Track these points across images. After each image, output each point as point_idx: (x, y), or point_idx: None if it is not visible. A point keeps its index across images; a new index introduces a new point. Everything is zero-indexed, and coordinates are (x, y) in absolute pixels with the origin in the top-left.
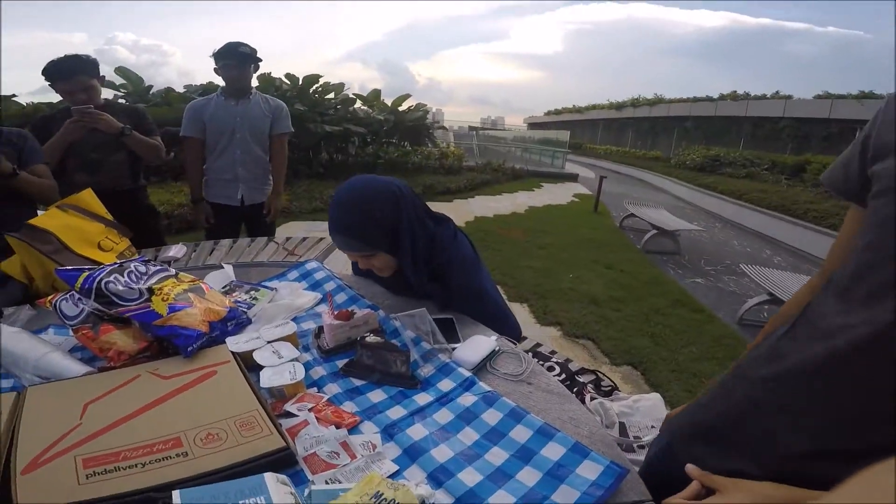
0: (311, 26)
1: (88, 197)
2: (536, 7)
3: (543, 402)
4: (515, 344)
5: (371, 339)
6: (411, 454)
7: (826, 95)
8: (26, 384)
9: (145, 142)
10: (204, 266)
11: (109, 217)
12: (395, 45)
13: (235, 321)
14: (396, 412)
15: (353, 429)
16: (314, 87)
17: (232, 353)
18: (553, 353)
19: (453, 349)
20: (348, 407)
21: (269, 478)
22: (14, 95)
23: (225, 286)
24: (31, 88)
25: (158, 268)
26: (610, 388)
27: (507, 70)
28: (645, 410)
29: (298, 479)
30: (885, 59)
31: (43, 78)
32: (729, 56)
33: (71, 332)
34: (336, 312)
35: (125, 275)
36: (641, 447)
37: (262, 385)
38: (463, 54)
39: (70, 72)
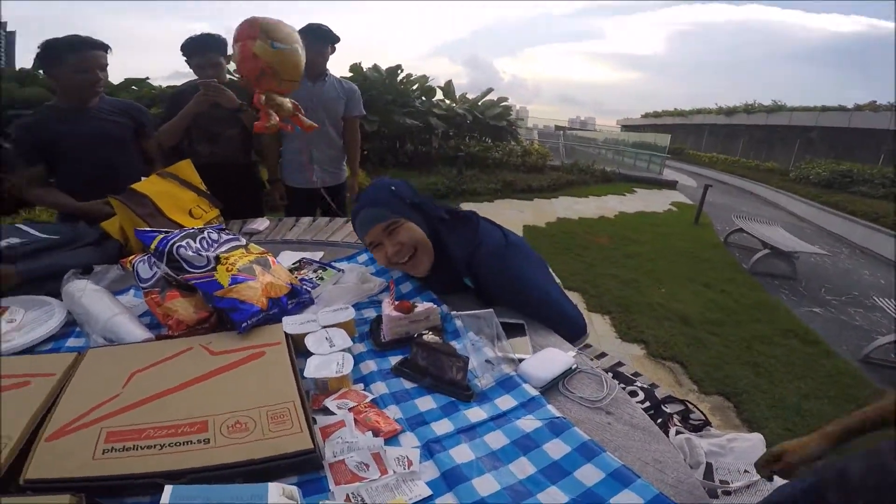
0: (400, 23)
1: (187, 167)
2: (634, 7)
3: (624, 437)
4: (598, 366)
5: (429, 337)
6: (450, 480)
7: None
8: (92, 345)
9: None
10: (283, 241)
11: (203, 187)
12: (482, 41)
13: (297, 300)
14: (443, 426)
15: (391, 439)
16: (400, 78)
17: (285, 334)
18: (637, 374)
19: (520, 361)
20: (392, 412)
21: (273, 489)
22: (147, 78)
23: (295, 262)
24: (165, 74)
25: (231, 236)
26: (700, 422)
27: (599, 70)
28: (740, 452)
29: (319, 487)
30: None
31: (181, 53)
32: (863, 64)
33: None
34: (397, 303)
35: (197, 241)
36: (727, 493)
37: (305, 374)
38: (551, 52)
39: (203, 48)
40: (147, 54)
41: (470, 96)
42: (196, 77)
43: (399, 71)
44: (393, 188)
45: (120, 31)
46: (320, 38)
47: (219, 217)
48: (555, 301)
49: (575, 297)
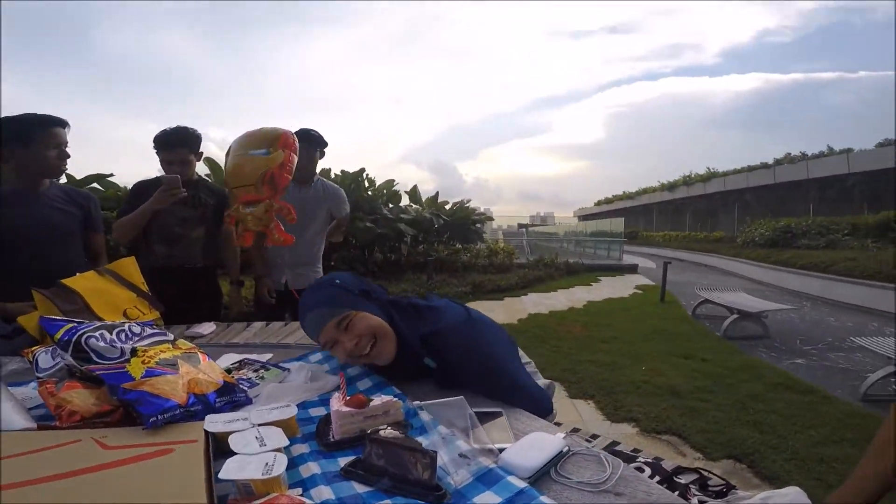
0: (371, 131)
1: (129, 265)
2: (573, 96)
3: None
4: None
5: (386, 432)
6: None
7: (888, 142)
8: None
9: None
10: (227, 344)
11: (145, 288)
12: (443, 145)
13: (230, 398)
14: None
15: None
16: (366, 185)
17: (205, 431)
18: (636, 451)
19: (500, 450)
20: None
21: None
22: (111, 175)
23: (235, 363)
24: (140, 178)
25: (156, 331)
26: (722, 487)
27: (551, 162)
28: None
29: None
30: None
31: (152, 146)
32: (770, 118)
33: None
34: (349, 398)
35: (114, 333)
36: None
37: (220, 476)
38: (507, 150)
39: (174, 143)
40: (124, 158)
41: (440, 201)
42: (163, 173)
43: (362, 178)
44: (337, 281)
45: (91, 130)
46: (311, 144)
47: (158, 321)
48: (522, 380)
49: (555, 387)
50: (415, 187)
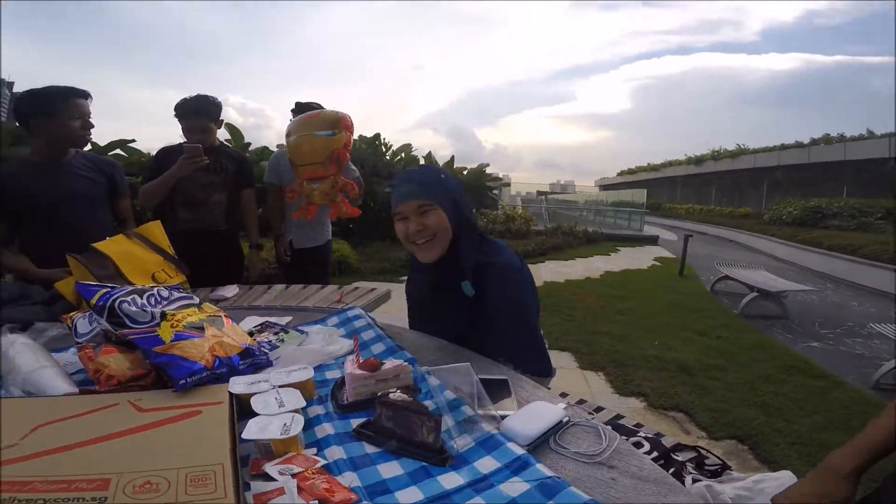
0: (387, 96)
1: (156, 228)
2: (597, 67)
3: (633, 493)
4: (593, 415)
5: (395, 395)
6: None
7: None
8: (6, 396)
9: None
10: (249, 307)
11: (171, 251)
12: (461, 112)
13: (251, 360)
14: (410, 495)
15: None
16: (388, 150)
17: (229, 393)
18: (639, 426)
19: (503, 417)
20: (347, 479)
21: None
22: (133, 140)
23: (257, 326)
24: (159, 144)
25: (183, 294)
26: (718, 467)
27: (574, 132)
28: (771, 492)
29: None
30: None
31: (174, 114)
32: (807, 99)
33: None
34: (362, 361)
35: (144, 297)
36: None
37: (243, 437)
38: (528, 119)
39: (194, 111)
40: (144, 125)
41: (456, 166)
42: (186, 140)
43: (378, 141)
44: (442, 176)
45: (114, 98)
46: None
47: (185, 283)
48: (539, 336)
49: (567, 357)
50: (430, 154)
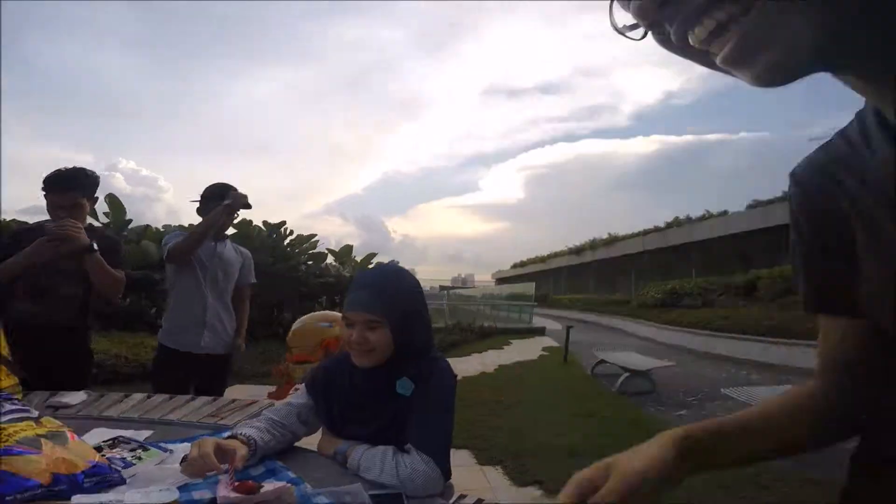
0: (299, 178)
1: None
2: (500, 156)
3: None
4: None
5: None
6: None
7: (756, 203)
8: None
9: (108, 270)
10: (100, 417)
11: (5, 351)
12: (373, 199)
13: (99, 478)
14: None
15: None
16: (288, 240)
17: None
18: None
19: None
20: None
21: None
22: None
23: (107, 440)
24: (23, 206)
25: (17, 407)
26: None
27: (475, 223)
28: None
29: None
30: (791, 155)
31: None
32: (665, 180)
33: None
34: (237, 483)
35: None
36: None
37: None
38: (436, 209)
39: (65, 184)
40: (12, 183)
41: (358, 258)
42: (50, 218)
43: (283, 229)
44: (397, 285)
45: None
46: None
47: (16, 386)
48: (447, 448)
49: (465, 454)
50: (348, 248)
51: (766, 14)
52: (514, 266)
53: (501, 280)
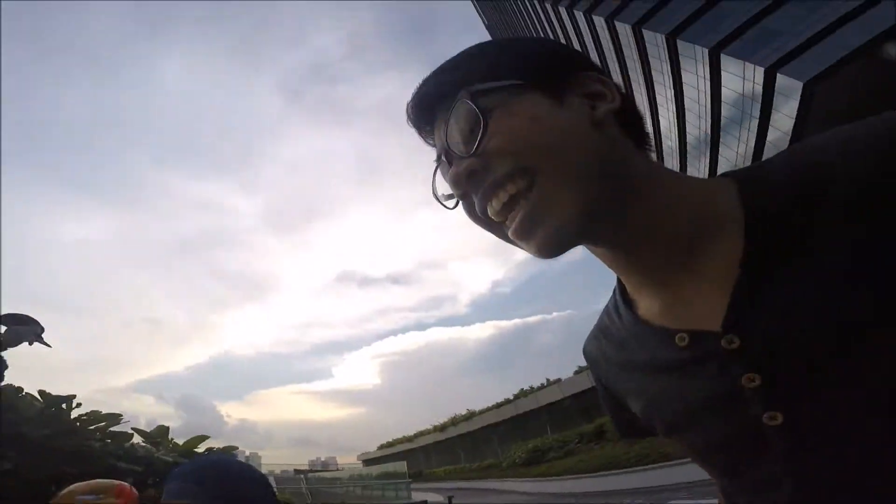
0: (106, 347)
1: None
2: (354, 344)
3: None
4: None
5: None
6: None
7: (581, 369)
8: None
9: None
10: None
11: None
12: (201, 380)
13: None
14: None
15: None
16: (76, 414)
17: None
18: None
19: None
20: None
21: None
22: None
23: None
24: None
25: None
26: None
27: (329, 409)
28: None
29: None
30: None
31: None
32: (503, 360)
33: None
34: None
35: None
36: None
37: None
38: (280, 395)
39: None
40: None
41: (180, 441)
42: None
43: (72, 404)
44: (217, 479)
45: None
46: None
47: None
48: None
49: None
50: (162, 428)
51: (542, 190)
52: (381, 447)
53: (369, 461)
